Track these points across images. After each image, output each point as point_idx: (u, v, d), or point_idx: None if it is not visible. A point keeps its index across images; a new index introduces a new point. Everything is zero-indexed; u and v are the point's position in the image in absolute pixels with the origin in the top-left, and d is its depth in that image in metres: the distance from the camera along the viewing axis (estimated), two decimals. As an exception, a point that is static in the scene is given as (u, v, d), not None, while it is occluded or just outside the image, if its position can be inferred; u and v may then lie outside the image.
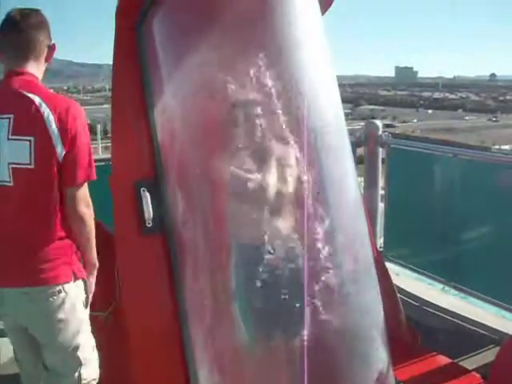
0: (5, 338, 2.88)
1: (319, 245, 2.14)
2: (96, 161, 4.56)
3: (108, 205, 2.42)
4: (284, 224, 2.18)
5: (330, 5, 2.70)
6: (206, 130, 2.30)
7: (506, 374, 2.69)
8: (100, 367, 2.50)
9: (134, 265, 2.42)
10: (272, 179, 2.20)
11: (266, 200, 2.18)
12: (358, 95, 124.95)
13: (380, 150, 5.41)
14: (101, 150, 12.17)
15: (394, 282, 3.96)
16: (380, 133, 5.33)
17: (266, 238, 2.16)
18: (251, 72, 2.21)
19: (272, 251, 2.16)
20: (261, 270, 2.17)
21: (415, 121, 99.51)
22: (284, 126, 2.20)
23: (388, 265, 5.30)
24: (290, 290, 2.15)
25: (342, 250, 2.27)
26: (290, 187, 2.20)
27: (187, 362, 2.39)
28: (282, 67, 2.27)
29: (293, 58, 2.31)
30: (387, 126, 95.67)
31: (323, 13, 2.61)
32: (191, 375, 2.37)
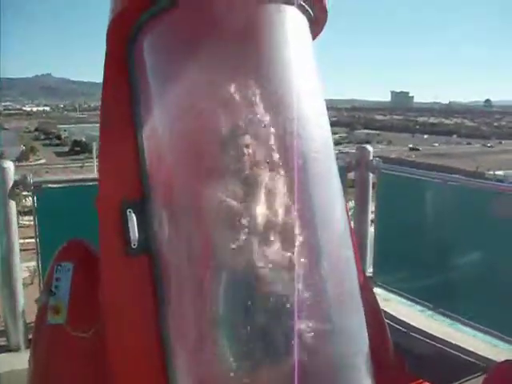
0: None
1: (303, 271, 2.13)
2: (90, 180, 4.65)
3: (95, 225, 2.40)
4: (269, 250, 2.17)
5: (321, 30, 2.71)
6: (193, 154, 2.29)
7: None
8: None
9: (117, 286, 2.40)
10: (258, 205, 2.19)
11: (252, 226, 2.17)
12: (354, 119, 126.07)
13: (371, 175, 5.44)
14: (96, 169, 12.19)
15: (383, 307, 3.95)
16: (371, 158, 5.36)
17: (251, 264, 2.15)
18: (239, 96, 2.21)
19: (257, 277, 2.14)
20: (245, 296, 2.15)
21: (410, 145, 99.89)
22: (272, 152, 2.20)
23: (377, 290, 5.32)
24: (273, 317, 2.13)
25: (326, 276, 2.26)
26: (277, 213, 2.19)
27: (170, 384, 2.36)
28: (271, 91, 2.27)
29: (282, 82, 2.31)
30: (412, 149, 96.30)
31: (314, 38, 2.62)
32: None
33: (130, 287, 2.39)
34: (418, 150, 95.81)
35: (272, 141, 2.19)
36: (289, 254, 2.14)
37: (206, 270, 2.25)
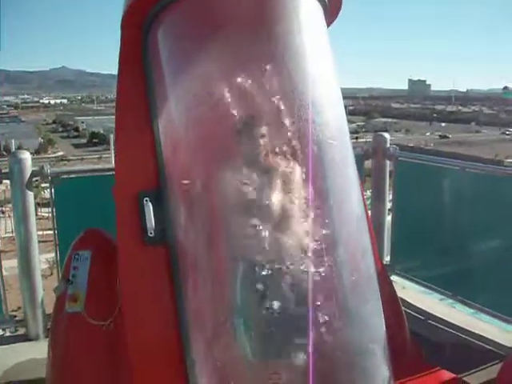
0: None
1: (320, 257, 2.13)
2: (107, 170, 4.67)
3: (112, 215, 2.42)
4: (285, 237, 2.17)
5: (337, 16, 2.69)
6: (209, 142, 2.30)
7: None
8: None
9: (135, 274, 2.42)
10: (274, 192, 2.19)
11: (268, 213, 2.17)
12: (371, 108, 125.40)
13: (388, 162, 5.41)
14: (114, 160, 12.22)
15: (400, 295, 3.93)
16: (388, 145, 5.33)
17: (267, 251, 2.15)
18: (254, 83, 2.20)
19: (273, 265, 2.15)
20: (261, 283, 2.16)
21: (428, 134, 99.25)
22: (287, 139, 2.20)
23: (395, 278, 5.31)
24: (289, 303, 2.14)
25: (342, 263, 2.26)
26: (292, 200, 2.19)
27: (187, 373, 2.37)
28: (286, 78, 2.26)
29: (296, 69, 2.30)
30: (442, 137, 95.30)
31: (329, 24, 2.61)
32: (192, 385, 2.36)
33: (148, 275, 2.40)
34: (448, 137, 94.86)
35: (287, 128, 2.18)
36: (305, 240, 2.14)
37: (222, 258, 2.26)
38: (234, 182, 2.20)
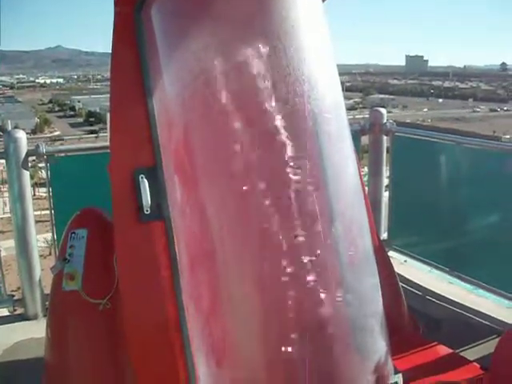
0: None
1: (315, 230, 2.13)
2: (102, 148, 4.65)
3: (108, 193, 2.41)
4: (280, 212, 2.16)
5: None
6: (203, 117, 2.28)
7: (506, 364, 2.68)
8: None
9: (131, 252, 2.41)
10: (270, 165, 2.18)
11: (263, 188, 2.16)
12: (368, 84, 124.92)
13: (384, 138, 5.40)
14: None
15: (398, 271, 3.95)
16: (385, 121, 5.32)
17: (263, 224, 2.15)
18: (249, 58, 2.19)
19: (268, 240, 2.15)
20: (257, 260, 2.16)
21: (425, 110, 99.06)
22: (283, 112, 2.18)
23: (393, 254, 5.32)
24: (285, 277, 2.14)
25: (338, 237, 2.25)
26: (288, 173, 2.18)
27: (185, 351, 2.38)
28: (280, 53, 2.24)
29: (291, 43, 2.27)
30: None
31: (324, -1, 2.58)
32: (189, 364, 2.36)
33: (144, 253, 2.39)
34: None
35: (282, 101, 2.17)
36: (300, 215, 2.13)
37: (218, 235, 2.26)
38: (228, 155, 2.19)
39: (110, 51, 2.43)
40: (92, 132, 72.21)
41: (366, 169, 5.99)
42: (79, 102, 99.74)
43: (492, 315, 4.40)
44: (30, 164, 4.65)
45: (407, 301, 3.59)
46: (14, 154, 4.48)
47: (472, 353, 3.62)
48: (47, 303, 4.17)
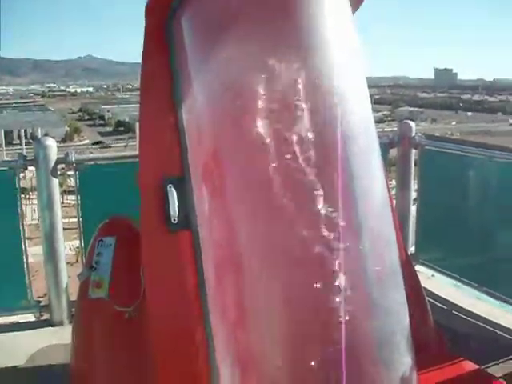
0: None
1: (343, 246, 2.11)
2: (131, 157, 4.69)
3: (137, 202, 2.42)
4: (310, 225, 2.15)
5: (361, 3, 2.66)
6: (234, 128, 2.28)
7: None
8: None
9: (158, 261, 2.42)
10: (297, 180, 2.17)
11: (292, 203, 2.15)
12: (397, 97, 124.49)
13: (413, 151, 5.37)
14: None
15: (426, 285, 3.91)
16: (413, 134, 5.28)
17: (291, 238, 2.14)
18: (280, 71, 2.19)
19: (296, 255, 2.14)
20: (284, 271, 2.15)
21: (454, 123, 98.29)
22: (314, 125, 2.17)
23: (420, 268, 5.27)
24: (313, 291, 2.12)
25: (366, 253, 2.24)
26: (316, 188, 2.17)
27: (210, 361, 2.37)
28: (311, 66, 2.24)
29: (321, 57, 2.27)
30: None
31: (354, 11, 2.57)
32: (214, 375, 2.36)
33: (171, 262, 2.40)
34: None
35: (313, 113, 2.16)
36: (329, 230, 2.12)
37: (245, 247, 2.25)
38: (257, 168, 2.19)
39: (141, 61, 2.45)
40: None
41: (393, 182, 5.96)
42: (108, 111, 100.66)
43: (520, 332, 4.35)
44: (59, 172, 4.70)
45: (434, 315, 3.55)
46: (44, 161, 4.54)
47: (499, 369, 3.57)
48: (73, 310, 4.20)
